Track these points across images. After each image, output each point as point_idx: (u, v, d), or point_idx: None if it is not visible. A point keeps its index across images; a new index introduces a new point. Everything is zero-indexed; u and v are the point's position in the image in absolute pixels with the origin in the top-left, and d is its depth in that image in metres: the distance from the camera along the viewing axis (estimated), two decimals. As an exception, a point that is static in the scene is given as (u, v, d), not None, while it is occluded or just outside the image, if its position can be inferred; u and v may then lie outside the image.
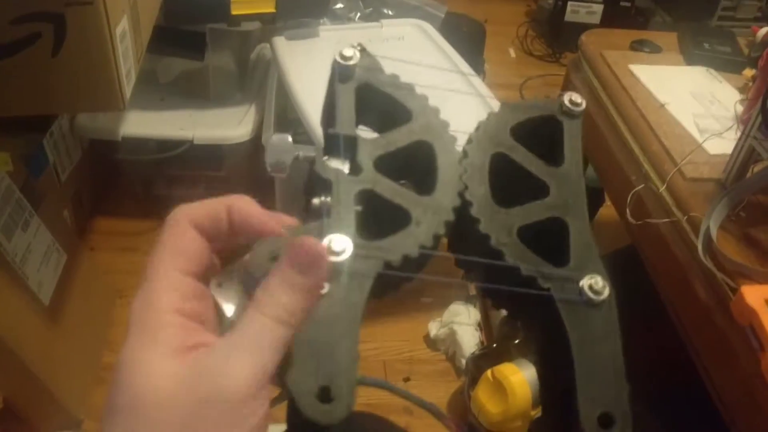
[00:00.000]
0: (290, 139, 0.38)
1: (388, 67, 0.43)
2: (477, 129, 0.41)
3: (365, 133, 0.40)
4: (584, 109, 0.42)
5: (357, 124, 0.40)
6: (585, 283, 0.35)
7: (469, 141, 0.40)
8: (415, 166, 0.40)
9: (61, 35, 0.84)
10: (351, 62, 0.40)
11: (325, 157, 0.38)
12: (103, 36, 0.87)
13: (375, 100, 0.41)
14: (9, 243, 1.03)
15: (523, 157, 0.40)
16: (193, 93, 1.61)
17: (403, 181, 0.39)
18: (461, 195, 0.38)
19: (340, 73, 0.40)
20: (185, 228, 0.34)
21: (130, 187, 1.71)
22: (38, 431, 1.12)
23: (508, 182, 0.39)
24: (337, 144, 0.38)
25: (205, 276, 0.35)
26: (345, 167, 0.38)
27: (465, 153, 0.40)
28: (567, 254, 0.37)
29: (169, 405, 0.29)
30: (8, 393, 1.04)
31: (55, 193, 1.37)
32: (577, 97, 0.42)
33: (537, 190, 0.39)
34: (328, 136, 0.39)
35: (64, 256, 1.20)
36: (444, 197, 0.38)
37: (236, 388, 0.29)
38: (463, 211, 0.38)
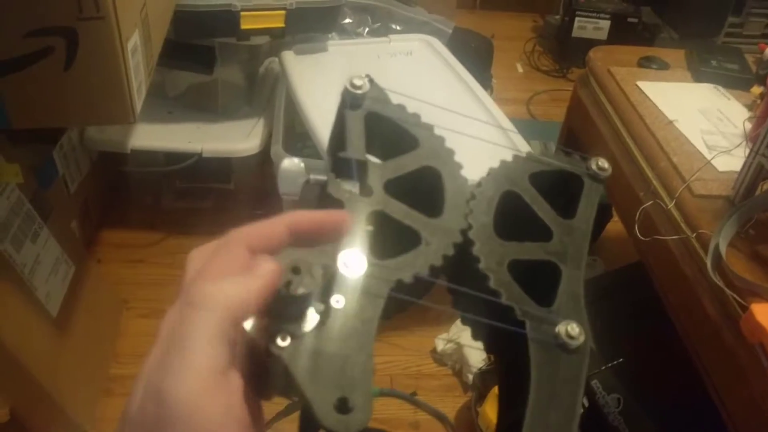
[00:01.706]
0: (302, 164, 0.39)
1: (398, 86, 0.44)
2: (498, 166, 0.42)
3: (372, 159, 0.41)
4: (610, 174, 0.43)
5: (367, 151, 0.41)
6: (562, 326, 0.35)
7: (488, 174, 0.42)
8: (422, 190, 0.41)
9: (74, 49, 0.85)
10: (360, 91, 0.42)
11: (336, 180, 0.39)
12: (114, 50, 0.87)
13: (382, 128, 0.42)
14: (18, 254, 1.03)
15: (534, 200, 0.41)
16: (202, 106, 1.62)
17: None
18: (465, 218, 0.39)
19: (350, 101, 0.42)
20: (234, 248, 0.33)
21: (139, 199, 1.72)
22: (44, 443, 1.11)
23: (515, 221, 0.40)
24: (348, 167, 0.39)
25: None
26: (355, 190, 0.39)
27: (479, 183, 0.41)
28: (553, 299, 0.37)
29: (133, 422, 0.29)
30: (15, 404, 1.03)
31: (64, 204, 1.38)
32: (604, 163, 0.43)
33: (540, 234, 0.40)
34: (338, 160, 0.40)
35: (72, 267, 1.21)
36: (452, 220, 0.39)
37: (182, 405, 0.28)
38: (465, 234, 0.39)
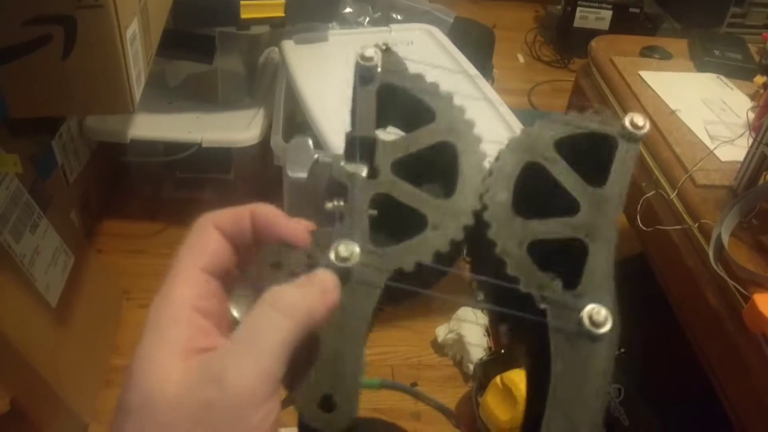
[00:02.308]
0: (310, 142, 0.38)
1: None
2: (519, 135, 0.39)
3: (391, 135, 0.39)
4: (647, 132, 0.39)
5: (384, 124, 0.39)
6: (586, 312, 0.32)
7: (508, 144, 0.39)
8: (436, 168, 0.38)
9: (72, 37, 0.84)
10: (371, 63, 0.39)
11: (344, 162, 0.37)
12: (113, 38, 0.87)
13: (398, 100, 0.40)
14: (17, 245, 1.03)
15: (561, 170, 0.38)
16: (202, 96, 1.61)
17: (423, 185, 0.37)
18: (481, 198, 0.36)
19: (360, 75, 0.39)
20: (209, 230, 0.34)
21: (138, 190, 1.71)
22: (44, 433, 1.11)
23: (537, 196, 0.37)
24: (355, 146, 0.37)
25: (226, 280, 0.35)
26: (363, 171, 0.37)
27: (497, 157, 0.38)
28: (579, 279, 0.34)
29: (175, 410, 0.28)
30: (15, 395, 1.03)
31: (64, 194, 1.37)
32: (639, 119, 0.39)
33: (566, 208, 0.36)
34: (348, 140, 0.38)
35: (72, 258, 1.20)
36: (464, 200, 0.36)
37: (239, 395, 0.28)
38: (479, 215, 0.36)
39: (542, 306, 0.33)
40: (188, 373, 0.29)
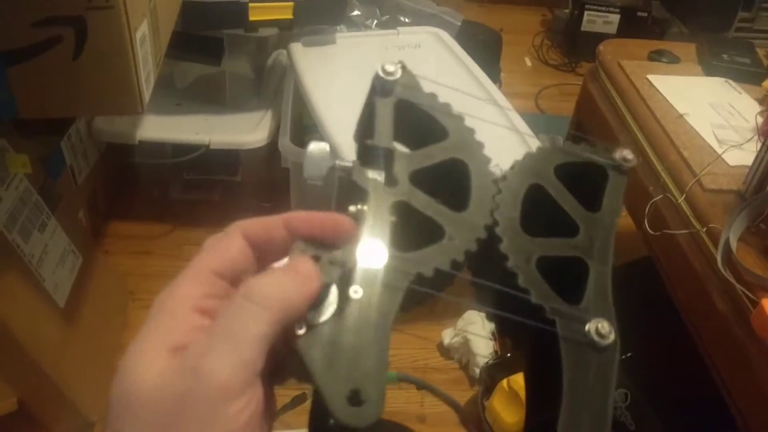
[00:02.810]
0: (328, 148, 0.39)
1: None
2: (522, 158, 0.42)
3: (399, 148, 0.41)
4: (634, 166, 0.42)
5: (393, 138, 0.40)
6: (592, 325, 0.35)
7: (512, 167, 0.41)
8: (448, 182, 0.40)
9: (82, 39, 0.85)
10: (392, 78, 0.41)
11: (363, 168, 0.38)
12: (123, 40, 0.87)
13: (412, 117, 0.42)
14: (26, 244, 1.03)
15: (560, 194, 0.41)
16: (210, 98, 1.62)
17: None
18: (492, 214, 0.39)
19: (380, 88, 0.41)
20: (236, 237, 0.34)
21: (146, 191, 1.72)
22: (51, 433, 1.12)
23: (541, 215, 0.40)
24: (374, 155, 0.38)
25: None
26: (380, 178, 0.38)
27: (504, 176, 0.40)
28: (581, 296, 0.37)
29: (152, 402, 0.29)
30: (22, 394, 1.04)
31: (72, 195, 1.38)
32: (629, 154, 0.43)
33: (567, 228, 0.40)
34: (364, 147, 0.39)
35: (80, 258, 1.21)
36: (477, 215, 0.38)
37: (213, 387, 0.28)
38: (489, 230, 0.38)
39: (551, 317, 0.35)
40: (168, 366, 0.29)
